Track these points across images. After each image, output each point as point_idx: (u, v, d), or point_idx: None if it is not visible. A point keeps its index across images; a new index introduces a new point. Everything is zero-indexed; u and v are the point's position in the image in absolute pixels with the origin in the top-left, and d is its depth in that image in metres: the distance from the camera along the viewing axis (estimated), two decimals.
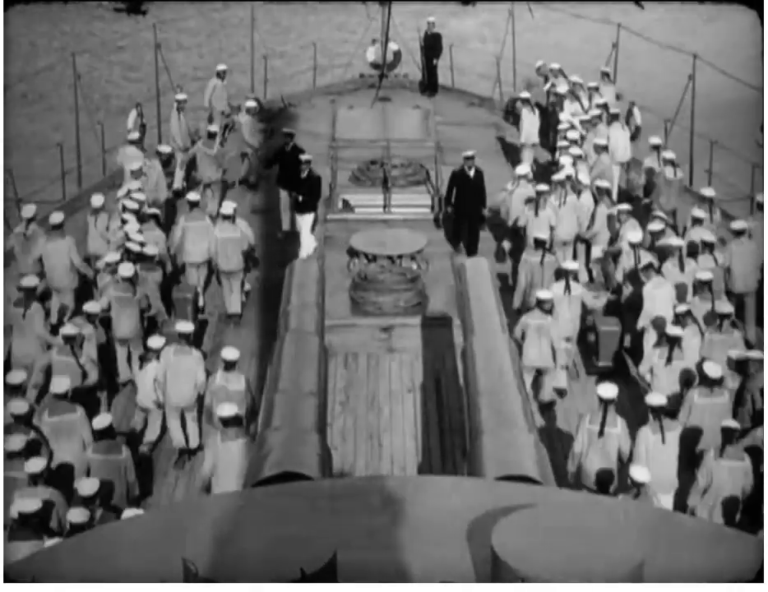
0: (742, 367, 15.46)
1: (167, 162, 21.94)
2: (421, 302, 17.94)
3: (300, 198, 20.37)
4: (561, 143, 21.13)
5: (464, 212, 19.70)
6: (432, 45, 26.70)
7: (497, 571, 5.86)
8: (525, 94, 23.94)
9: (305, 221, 20.38)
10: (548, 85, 24.51)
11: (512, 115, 25.55)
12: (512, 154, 24.27)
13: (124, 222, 18.32)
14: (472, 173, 19.69)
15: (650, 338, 16.08)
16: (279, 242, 20.74)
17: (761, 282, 17.50)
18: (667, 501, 13.80)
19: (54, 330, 16.61)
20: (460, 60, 27.83)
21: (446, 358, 16.32)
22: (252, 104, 23.74)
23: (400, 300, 17.88)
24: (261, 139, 24.12)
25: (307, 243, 20.25)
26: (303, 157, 20.85)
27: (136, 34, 33.96)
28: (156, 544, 6.74)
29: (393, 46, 26.76)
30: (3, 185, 21.33)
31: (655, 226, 17.98)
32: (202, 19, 38.04)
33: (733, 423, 13.70)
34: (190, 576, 5.86)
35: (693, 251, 17.64)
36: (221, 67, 25.15)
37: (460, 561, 6.36)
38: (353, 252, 18.55)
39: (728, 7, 37.98)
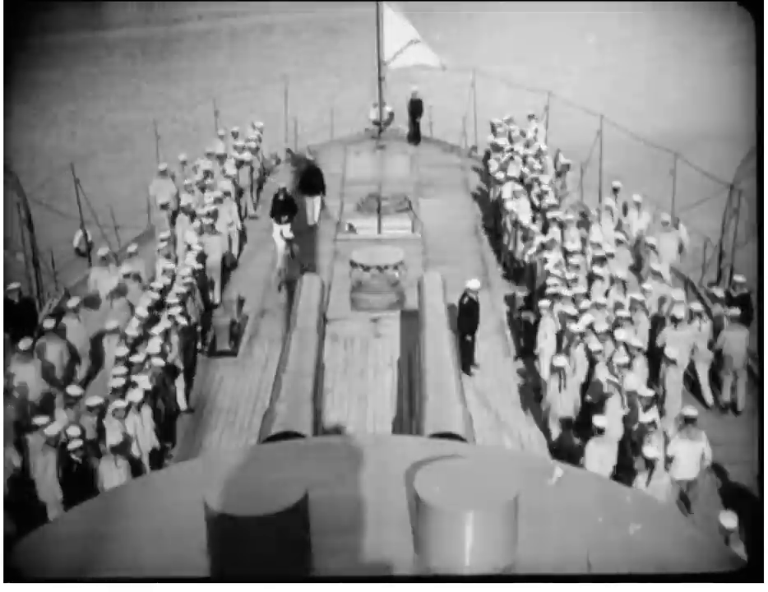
0: None
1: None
2: (400, 301, 17.79)
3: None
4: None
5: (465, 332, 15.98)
6: (415, 107, 26.63)
7: (418, 504, 5.80)
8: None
9: (315, 201, 21.98)
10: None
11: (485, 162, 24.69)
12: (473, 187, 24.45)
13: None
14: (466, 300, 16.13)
15: None
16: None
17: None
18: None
19: None
20: (436, 117, 27.78)
21: (416, 341, 16.34)
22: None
23: (385, 299, 17.77)
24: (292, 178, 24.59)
25: (313, 214, 21.99)
26: (308, 156, 22.90)
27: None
28: (185, 489, 6.64)
29: (388, 108, 26.60)
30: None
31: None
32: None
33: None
34: (208, 511, 5.69)
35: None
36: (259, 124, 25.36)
37: (400, 496, 6.32)
38: (353, 264, 18.25)
39: (719, 6, 33.37)
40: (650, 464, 11.90)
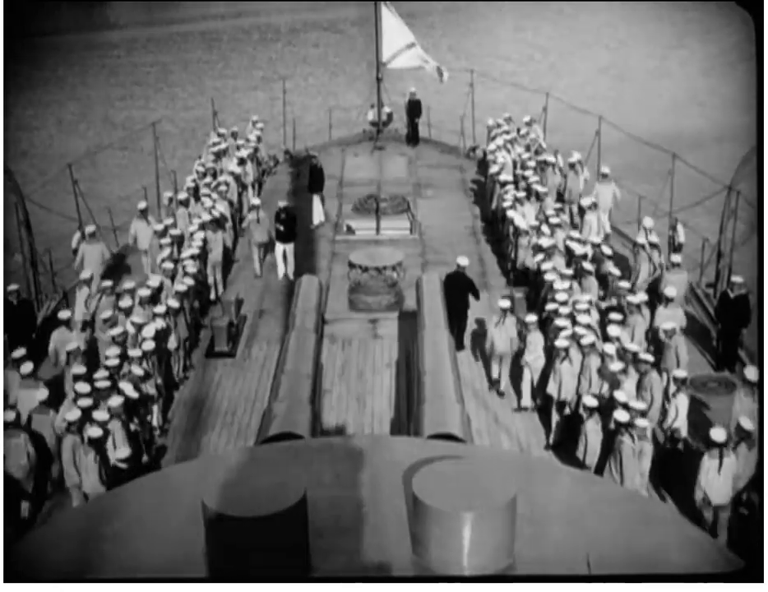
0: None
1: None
2: (398, 301, 17.78)
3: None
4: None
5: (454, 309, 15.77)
6: (414, 108, 26.56)
7: (416, 505, 5.85)
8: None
9: (316, 199, 22.02)
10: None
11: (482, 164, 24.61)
12: (471, 188, 24.44)
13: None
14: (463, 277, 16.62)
15: None
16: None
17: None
18: None
19: None
20: (434, 118, 27.67)
21: (415, 342, 16.20)
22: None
23: (383, 300, 17.74)
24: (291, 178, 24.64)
25: (318, 212, 22.02)
26: (311, 151, 23.22)
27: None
28: (184, 489, 6.67)
29: (386, 109, 26.71)
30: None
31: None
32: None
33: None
34: (207, 512, 5.74)
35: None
36: (259, 125, 25.37)
37: (398, 497, 6.38)
38: (352, 265, 18.21)
39: (719, 6, 33.33)
40: (626, 426, 12.17)
